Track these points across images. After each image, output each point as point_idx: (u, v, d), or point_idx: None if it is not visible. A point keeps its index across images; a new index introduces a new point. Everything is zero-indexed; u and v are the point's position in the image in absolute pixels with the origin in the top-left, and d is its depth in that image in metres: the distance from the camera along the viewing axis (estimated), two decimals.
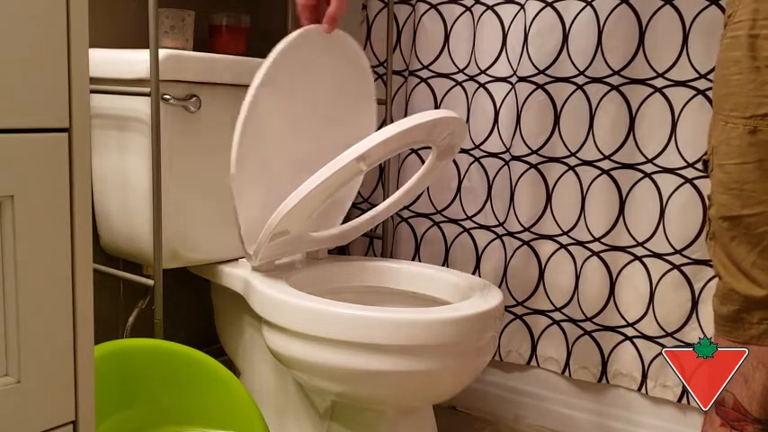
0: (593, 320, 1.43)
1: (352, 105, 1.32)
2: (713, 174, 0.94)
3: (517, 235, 1.49)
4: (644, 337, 1.39)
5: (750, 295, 0.91)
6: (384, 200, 1.58)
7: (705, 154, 0.98)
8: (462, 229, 1.58)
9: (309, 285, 1.18)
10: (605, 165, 1.39)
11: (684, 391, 1.36)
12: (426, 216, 1.62)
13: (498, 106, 1.51)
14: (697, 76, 1.29)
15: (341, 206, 1.40)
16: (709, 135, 0.95)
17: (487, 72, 1.51)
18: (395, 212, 1.64)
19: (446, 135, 1.17)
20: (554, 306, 1.48)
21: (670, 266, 1.34)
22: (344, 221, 1.40)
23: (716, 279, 1.30)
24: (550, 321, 1.49)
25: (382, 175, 1.63)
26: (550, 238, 1.47)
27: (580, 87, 1.40)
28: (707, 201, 0.97)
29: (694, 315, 1.34)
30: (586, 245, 1.42)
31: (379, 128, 1.56)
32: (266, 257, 1.21)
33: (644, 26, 1.33)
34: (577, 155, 1.42)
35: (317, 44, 1.20)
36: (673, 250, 1.34)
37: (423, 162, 1.60)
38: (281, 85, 1.15)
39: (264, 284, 1.15)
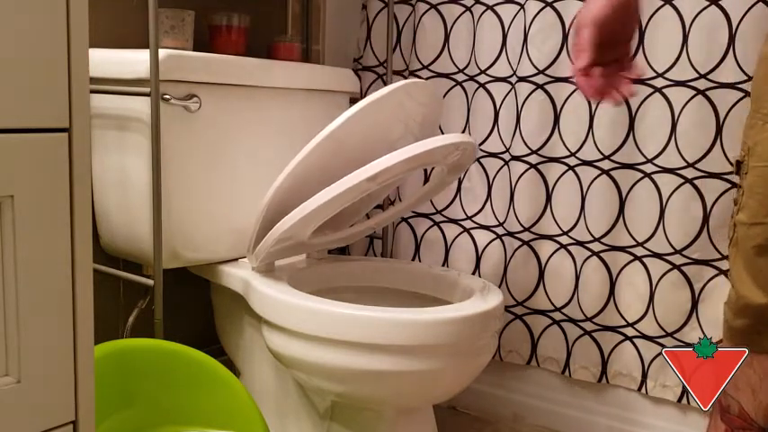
0: (593, 320, 1.43)
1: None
2: (746, 177, 0.89)
3: (517, 235, 1.49)
4: (644, 337, 1.39)
5: (762, 304, 0.87)
6: (386, 207, 1.58)
7: (741, 156, 0.93)
8: (462, 229, 1.58)
9: (309, 285, 1.18)
10: (605, 165, 1.39)
11: (684, 391, 1.36)
12: (426, 216, 1.62)
13: (498, 106, 1.51)
14: (697, 76, 1.29)
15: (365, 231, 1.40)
16: (745, 135, 0.90)
17: (487, 72, 1.51)
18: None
19: (457, 156, 1.17)
20: (554, 306, 1.48)
21: (670, 266, 1.34)
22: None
23: (716, 279, 1.29)
24: (550, 321, 1.49)
25: None
26: (550, 238, 1.47)
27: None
28: (734, 204, 0.93)
29: (694, 315, 1.34)
30: (586, 245, 1.42)
31: None
32: (267, 259, 1.21)
33: (644, 26, 1.33)
34: (577, 155, 1.42)
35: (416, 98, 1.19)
36: (673, 250, 1.34)
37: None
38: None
39: (264, 284, 1.15)
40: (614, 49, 0.87)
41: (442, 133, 1.36)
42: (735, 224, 0.91)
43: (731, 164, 1.27)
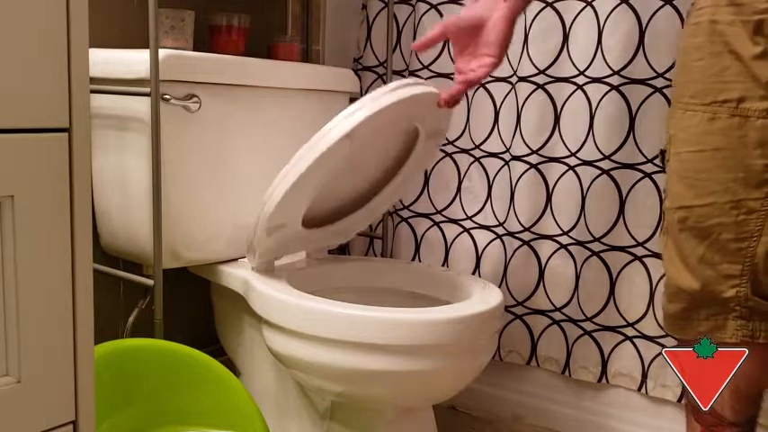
0: (593, 320, 1.43)
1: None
2: (669, 164, 0.93)
3: (517, 235, 1.49)
4: (644, 337, 1.39)
5: (694, 290, 0.90)
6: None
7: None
8: (462, 229, 1.58)
9: (309, 285, 1.18)
10: (605, 165, 1.39)
11: (684, 391, 1.36)
12: (426, 216, 1.62)
13: (498, 106, 1.51)
14: None
15: (365, 221, 1.38)
16: (668, 125, 0.94)
17: None
18: (392, 209, 1.65)
19: (432, 114, 1.17)
20: (554, 306, 1.48)
21: None
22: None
23: None
24: (550, 321, 1.49)
25: None
26: (550, 238, 1.47)
27: (580, 87, 1.40)
28: (663, 194, 0.96)
29: None
30: (586, 245, 1.42)
31: None
32: (265, 255, 1.21)
33: (644, 26, 1.33)
34: (577, 155, 1.42)
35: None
36: None
37: None
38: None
39: (264, 284, 1.15)
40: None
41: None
42: (664, 212, 0.95)
43: None
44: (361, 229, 1.38)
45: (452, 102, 1.12)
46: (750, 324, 0.90)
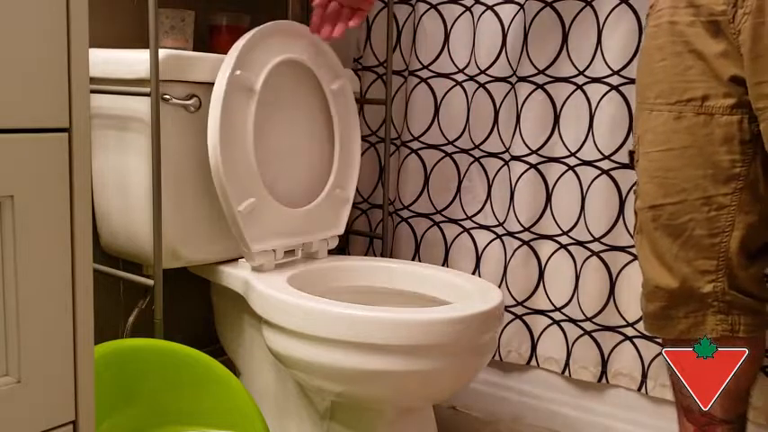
0: (593, 320, 1.43)
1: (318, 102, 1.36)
2: (639, 164, 0.94)
3: (517, 235, 1.49)
4: (644, 337, 1.39)
5: (672, 289, 0.91)
6: (383, 200, 1.58)
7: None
8: (462, 229, 1.58)
9: (309, 285, 1.18)
10: (605, 165, 1.39)
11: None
12: (426, 216, 1.62)
13: (498, 106, 1.51)
14: None
15: (343, 205, 1.40)
16: (635, 126, 0.95)
17: (487, 72, 1.51)
18: (392, 208, 1.65)
19: (313, 52, 1.29)
20: (554, 306, 1.48)
21: None
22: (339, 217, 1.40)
23: None
24: (550, 321, 1.49)
25: (382, 176, 1.63)
26: (550, 238, 1.47)
27: (580, 87, 1.40)
28: (634, 194, 0.97)
29: None
30: (586, 245, 1.42)
31: (380, 127, 1.57)
32: (255, 241, 1.20)
33: (644, 26, 1.33)
34: (577, 155, 1.42)
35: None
36: None
37: (423, 162, 1.60)
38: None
39: (264, 284, 1.15)
40: None
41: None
42: (636, 212, 0.96)
43: None
44: (344, 213, 1.38)
45: (343, 31, 1.25)
46: (729, 318, 0.91)
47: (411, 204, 1.63)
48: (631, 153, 0.98)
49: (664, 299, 0.92)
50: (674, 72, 0.88)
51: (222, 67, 1.16)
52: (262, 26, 1.21)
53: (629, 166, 1.00)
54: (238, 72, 1.16)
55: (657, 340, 1.37)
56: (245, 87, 1.18)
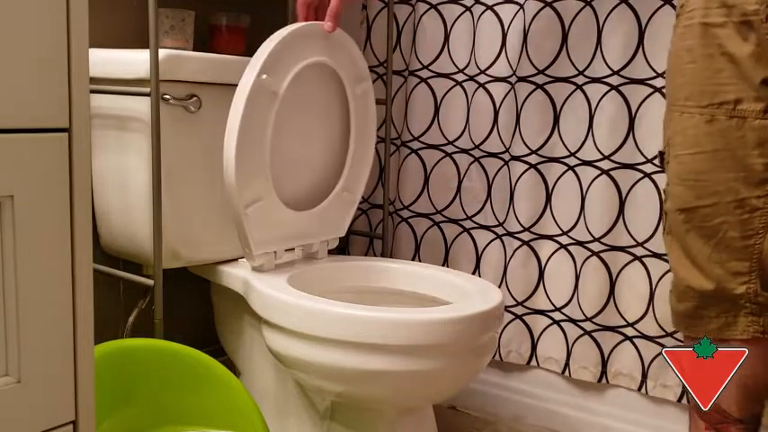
0: (593, 320, 1.43)
1: (341, 111, 1.34)
2: (669, 166, 0.94)
3: (517, 235, 1.49)
4: (644, 337, 1.39)
5: (705, 290, 0.90)
6: (384, 200, 1.58)
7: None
8: (462, 229, 1.58)
9: (309, 285, 1.18)
10: (605, 165, 1.39)
11: (684, 391, 1.36)
12: (426, 216, 1.62)
13: (498, 106, 1.51)
14: None
15: (349, 208, 1.39)
16: (665, 127, 0.95)
17: (487, 72, 1.51)
18: (392, 208, 1.65)
19: (337, 53, 1.25)
20: (554, 306, 1.48)
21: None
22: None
23: None
24: (550, 321, 1.49)
25: (382, 176, 1.63)
26: (550, 238, 1.47)
27: (580, 87, 1.40)
28: (663, 195, 0.97)
29: None
30: (586, 245, 1.42)
31: (380, 127, 1.57)
32: (258, 245, 1.20)
33: (643, 26, 1.33)
34: (577, 155, 1.42)
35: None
36: None
37: (423, 162, 1.60)
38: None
39: (264, 284, 1.15)
40: None
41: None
42: (666, 213, 0.95)
43: None
44: (349, 216, 1.38)
45: (334, 18, 1.20)
46: (761, 320, 0.90)
47: (411, 204, 1.63)
48: (661, 154, 0.98)
49: (695, 299, 0.92)
50: (705, 75, 0.88)
51: (247, 70, 1.12)
52: (291, 28, 1.17)
53: (659, 166, 1.00)
54: (264, 76, 1.13)
55: (658, 340, 1.37)
56: (269, 91, 1.15)
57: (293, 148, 1.27)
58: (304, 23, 1.20)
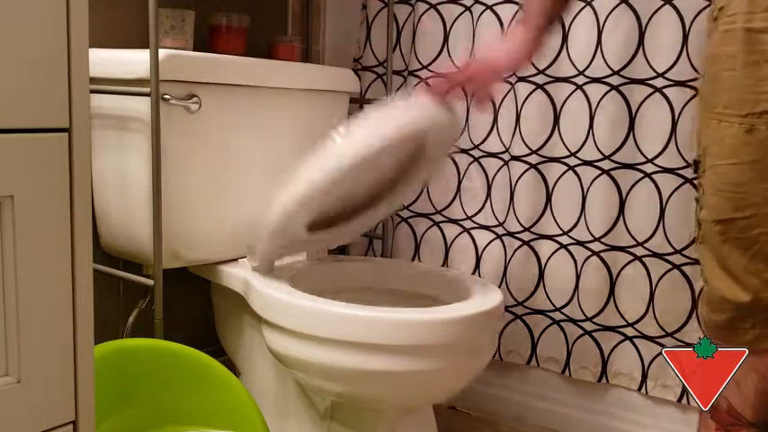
0: (593, 320, 1.43)
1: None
2: (705, 175, 0.91)
3: (517, 235, 1.49)
4: (644, 337, 1.39)
5: (741, 302, 0.88)
6: None
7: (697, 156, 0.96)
8: (462, 229, 1.58)
9: (309, 285, 1.18)
10: (605, 165, 1.39)
11: (684, 391, 1.36)
12: (426, 216, 1.62)
13: (497, 106, 1.51)
14: (697, 76, 1.29)
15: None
16: (700, 134, 0.92)
17: None
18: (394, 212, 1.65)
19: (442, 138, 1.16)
20: (554, 306, 1.48)
21: (670, 266, 1.34)
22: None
23: None
24: (550, 321, 1.49)
25: None
26: (550, 238, 1.47)
27: (580, 87, 1.40)
28: (696, 203, 0.95)
29: (694, 315, 1.34)
30: (586, 245, 1.42)
31: None
32: (268, 258, 1.21)
33: (644, 26, 1.33)
34: (577, 155, 1.42)
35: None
36: (673, 250, 1.34)
37: None
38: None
39: (264, 284, 1.15)
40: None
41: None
42: (699, 222, 0.93)
43: None
44: (362, 232, 1.38)
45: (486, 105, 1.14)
46: None
47: (411, 204, 1.63)
48: (696, 162, 0.94)
49: (731, 310, 0.90)
50: (747, 83, 0.85)
51: (370, 139, 1.05)
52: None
53: (693, 175, 0.97)
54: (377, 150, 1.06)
55: (658, 340, 1.38)
56: (371, 163, 1.08)
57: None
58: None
